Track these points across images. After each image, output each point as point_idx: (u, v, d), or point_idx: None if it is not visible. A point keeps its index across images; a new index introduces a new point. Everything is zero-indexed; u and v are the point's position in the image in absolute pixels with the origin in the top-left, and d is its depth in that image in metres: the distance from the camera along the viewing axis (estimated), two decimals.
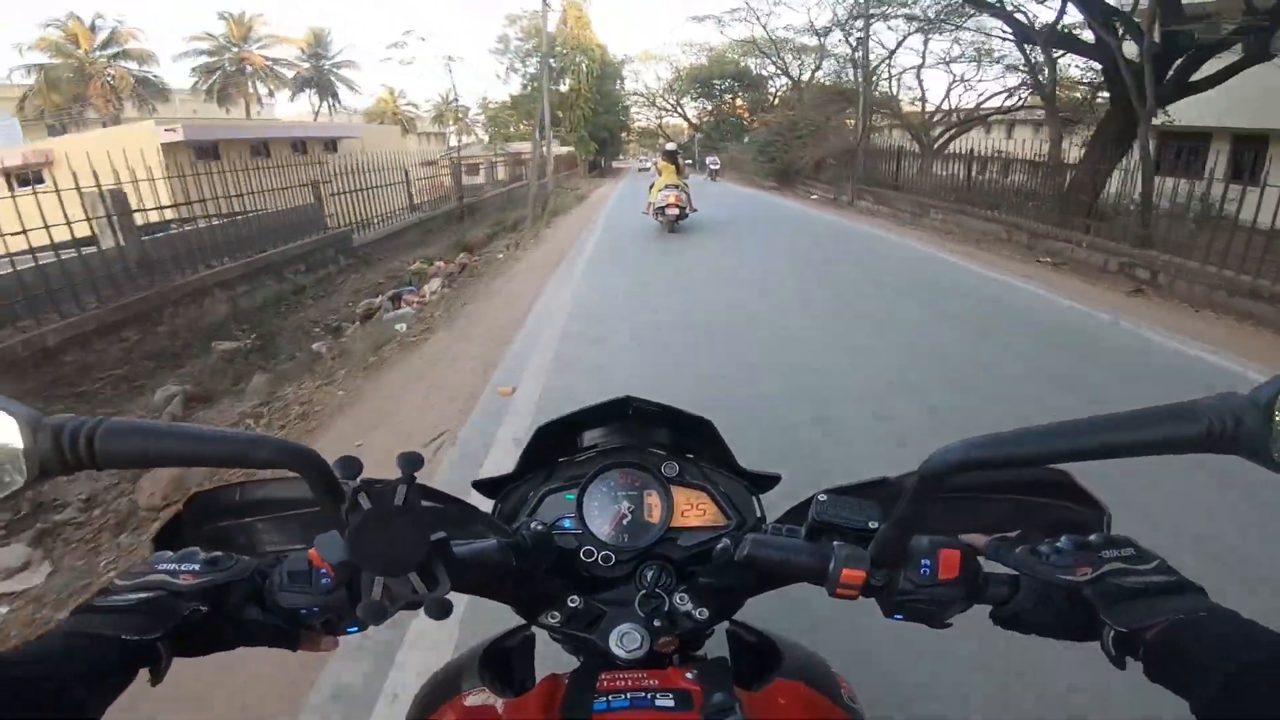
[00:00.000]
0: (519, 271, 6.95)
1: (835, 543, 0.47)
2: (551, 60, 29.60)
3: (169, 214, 6.21)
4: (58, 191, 4.90)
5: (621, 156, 45.81)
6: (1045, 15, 9.93)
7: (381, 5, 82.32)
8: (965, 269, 6.92)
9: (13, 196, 4.51)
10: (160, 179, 5.95)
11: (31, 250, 4.57)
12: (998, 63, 15.69)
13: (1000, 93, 16.22)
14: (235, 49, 33.15)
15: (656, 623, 0.57)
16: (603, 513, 0.66)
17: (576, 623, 0.58)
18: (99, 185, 5.33)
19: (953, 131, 16.14)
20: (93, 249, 5.25)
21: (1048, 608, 0.45)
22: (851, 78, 18.62)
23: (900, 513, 0.43)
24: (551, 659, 0.67)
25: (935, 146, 15.19)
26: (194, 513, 0.58)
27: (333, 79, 38.40)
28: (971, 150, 10.69)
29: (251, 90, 34.41)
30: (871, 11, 13.73)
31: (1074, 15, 9.68)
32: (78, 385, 4.44)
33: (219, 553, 0.47)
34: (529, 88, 29.48)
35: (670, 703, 0.48)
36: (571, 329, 4.62)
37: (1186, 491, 2.32)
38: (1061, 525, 0.53)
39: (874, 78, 16.11)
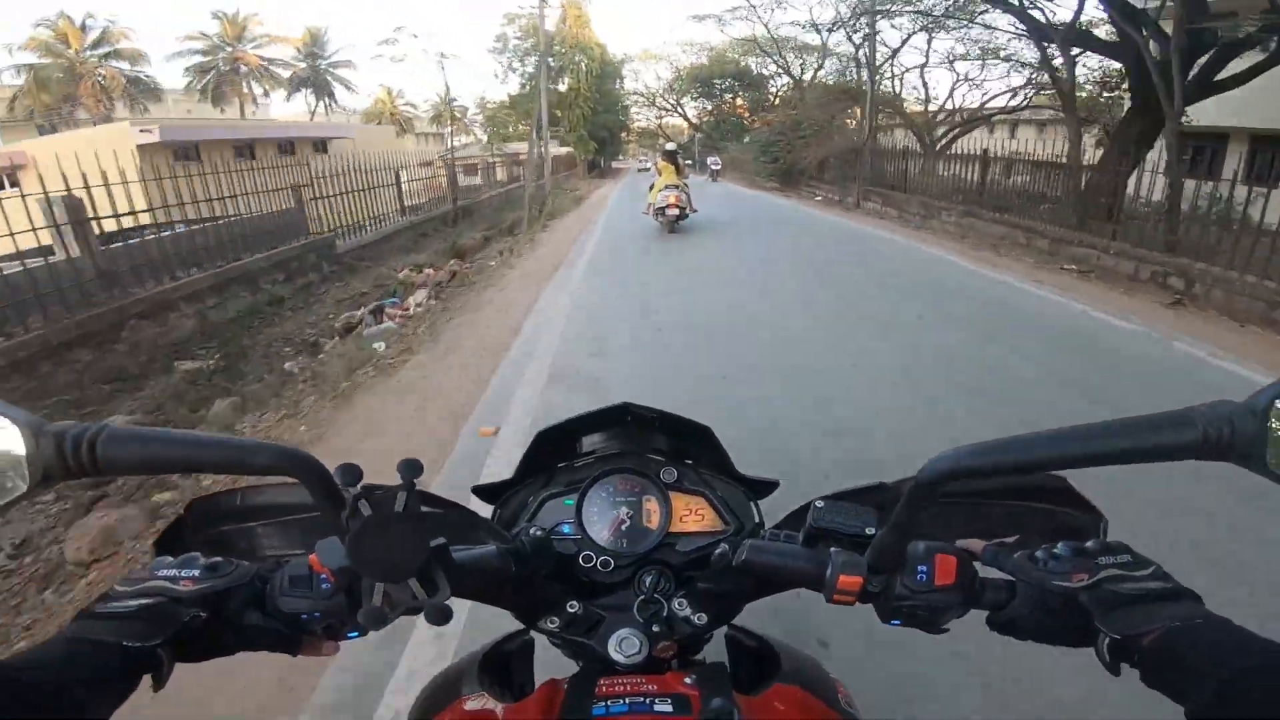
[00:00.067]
0: (511, 281, 6.51)
1: (832, 549, 0.47)
2: (550, 59, 29.22)
3: (140, 220, 5.77)
4: (23, 197, 4.49)
5: (621, 157, 45.46)
6: (1058, 13, 9.60)
7: (381, 4, 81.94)
8: (989, 278, 6.48)
9: None
10: (133, 183, 5.52)
11: None
12: (1005, 61, 15.32)
13: (1004, 92, 15.90)
14: (229, 49, 32.71)
15: (655, 628, 0.57)
16: (602, 518, 0.66)
17: (576, 628, 0.58)
18: (68, 189, 4.92)
19: (956, 131, 15.75)
20: (49, 259, 4.83)
21: (1044, 613, 0.44)
22: (855, 76, 18.26)
23: (897, 519, 0.43)
24: (551, 663, 0.67)
25: (939, 147, 14.79)
26: (195, 517, 0.59)
27: (329, 79, 37.97)
28: (985, 150, 10.25)
29: (246, 90, 33.98)
30: (879, 7, 13.29)
31: (1088, 13, 9.38)
32: None
33: (219, 558, 0.47)
34: (527, 87, 29.07)
35: (669, 708, 0.48)
36: (566, 350, 4.19)
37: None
38: (1058, 531, 0.56)
39: (878, 77, 15.70)
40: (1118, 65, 13.30)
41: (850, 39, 17.16)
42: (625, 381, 3.64)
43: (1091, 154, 10.03)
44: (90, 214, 5.06)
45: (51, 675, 0.36)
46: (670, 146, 10.81)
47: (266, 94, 36.72)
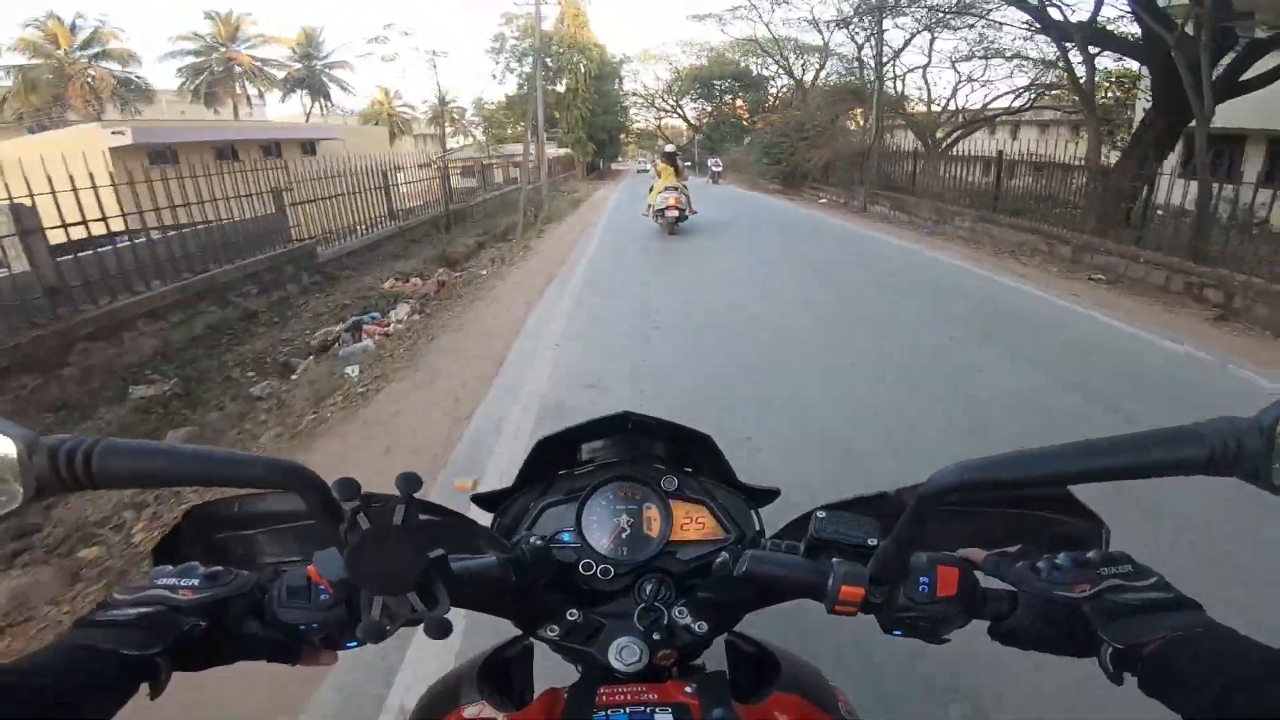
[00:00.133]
0: (501, 294, 6.06)
1: (834, 559, 0.47)
2: (548, 60, 28.84)
3: (110, 227, 5.30)
4: None
5: (620, 158, 45.10)
6: (1074, 13, 9.22)
7: (382, 4, 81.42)
8: (1017, 290, 6.03)
9: None
10: (87, 189, 5.08)
11: None
12: (1010, 61, 14.93)
13: (1008, 93, 15.52)
14: (222, 49, 32.25)
15: (655, 636, 0.56)
16: (602, 526, 0.66)
17: (576, 636, 0.58)
18: (31, 196, 4.49)
19: (958, 133, 15.37)
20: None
21: (1046, 624, 0.44)
22: (858, 77, 17.89)
23: (900, 531, 0.43)
24: (551, 669, 0.67)
25: (942, 148, 14.39)
26: (192, 525, 0.59)
27: (325, 80, 37.52)
28: (1000, 153, 9.84)
29: (240, 91, 33.52)
30: (887, 2, 12.87)
31: (1105, 11, 9.03)
32: None
33: (219, 567, 0.47)
34: (524, 88, 28.67)
35: (669, 717, 0.47)
36: (558, 382, 3.74)
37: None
38: (1059, 540, 0.54)
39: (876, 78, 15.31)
40: (1131, 65, 13.06)
41: (853, 39, 16.85)
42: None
43: (1098, 155, 9.70)
44: (50, 223, 4.63)
45: (49, 681, 0.36)
46: (669, 148, 11.44)
47: (261, 95, 36.26)
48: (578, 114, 30.34)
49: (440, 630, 0.41)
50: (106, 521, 2.89)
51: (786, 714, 0.53)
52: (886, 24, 14.07)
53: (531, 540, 0.58)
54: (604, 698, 0.50)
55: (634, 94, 37.66)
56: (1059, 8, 9.08)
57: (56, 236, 4.79)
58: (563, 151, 30.76)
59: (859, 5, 14.64)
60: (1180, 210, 7.21)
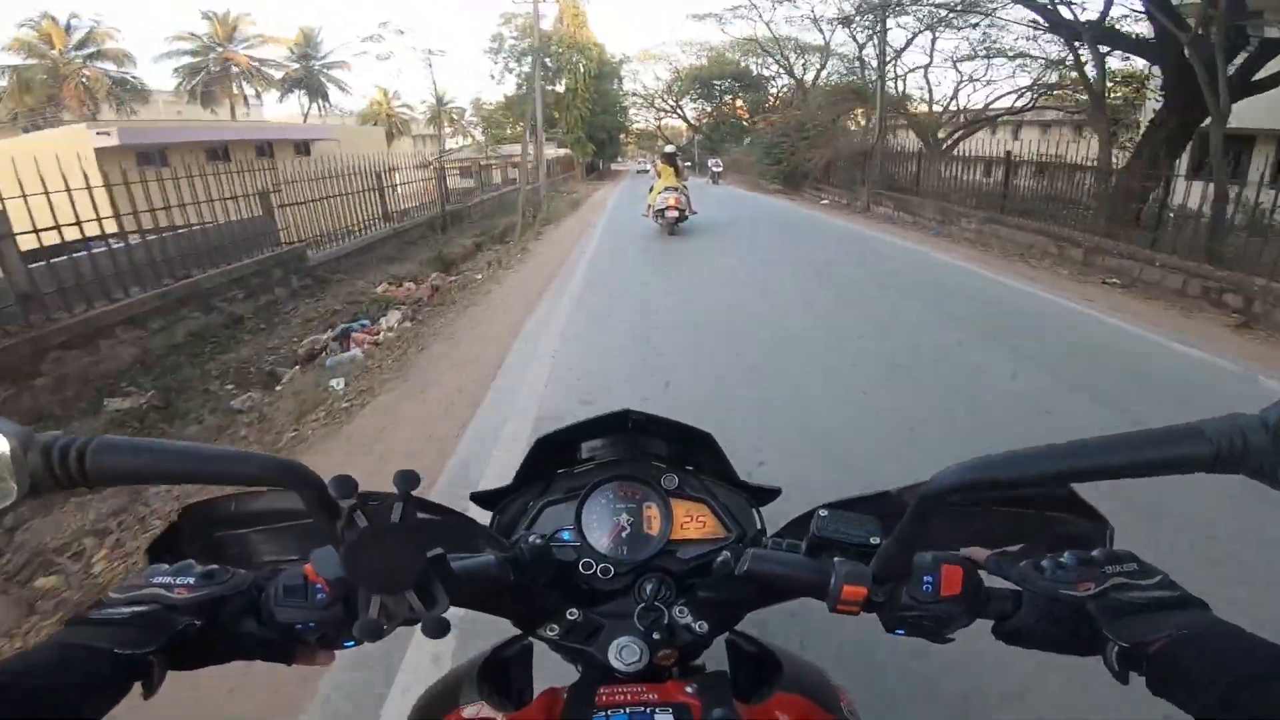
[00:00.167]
0: (497, 300, 5.86)
1: (836, 558, 0.46)
2: (547, 59, 28.65)
3: (89, 231, 5.10)
4: None
5: (620, 159, 44.91)
6: (1083, 12, 9.04)
7: (381, 4, 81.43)
8: (1033, 295, 5.80)
9: None
10: (75, 190, 4.89)
11: None
12: (1012, 60, 14.73)
13: (1010, 93, 15.32)
14: (219, 49, 32.04)
15: (656, 635, 0.56)
16: (601, 525, 0.65)
17: (575, 635, 0.57)
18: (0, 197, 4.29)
19: (960, 133, 15.18)
20: None
21: (1050, 623, 0.44)
22: (859, 76, 17.71)
23: (902, 530, 0.43)
24: (550, 668, 0.66)
25: (943, 148, 14.19)
26: (188, 523, 0.58)
27: (323, 80, 37.31)
28: (1009, 153, 9.65)
29: (237, 91, 33.31)
30: (890, 1, 12.68)
31: (1112, 10, 8.84)
32: None
33: (215, 566, 0.46)
34: (523, 88, 28.47)
35: (669, 717, 0.47)
36: (553, 399, 3.54)
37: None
38: (1063, 539, 0.54)
39: (879, 77, 15.12)
40: (1136, 65, 12.89)
41: (854, 38, 16.66)
42: None
43: (1109, 155, 9.54)
44: (25, 227, 4.43)
45: (42, 680, 0.35)
46: (669, 149, 10.90)
47: (259, 96, 36.07)
48: (577, 114, 30.17)
49: (438, 629, 0.41)
50: (66, 549, 2.71)
51: (789, 714, 0.53)
52: (889, 23, 13.91)
53: (531, 539, 0.57)
54: (604, 698, 0.49)
55: (633, 94, 37.60)
56: (1068, 6, 8.90)
57: (32, 241, 4.60)
58: (562, 152, 30.58)
59: (861, 4, 14.46)
60: (1191, 212, 7.05)
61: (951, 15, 12.67)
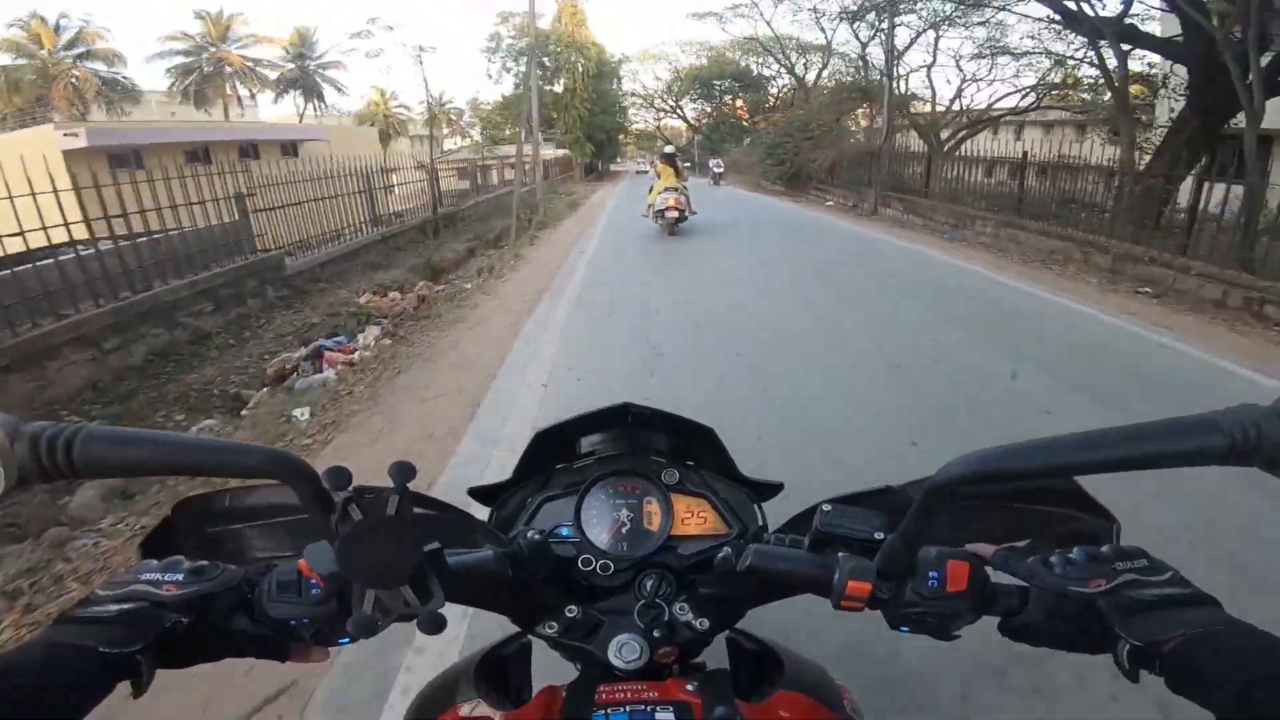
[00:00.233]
0: (485, 314, 5.42)
1: (840, 554, 0.46)
2: (545, 59, 28.25)
3: (24, 244, 4.67)
4: None
5: (619, 159, 44.51)
6: (1101, 10, 8.65)
7: (380, 4, 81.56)
8: (1071, 309, 5.33)
9: None
10: (17, 198, 4.45)
11: None
12: (1021, 57, 14.34)
13: (1013, 92, 14.91)
14: (212, 49, 31.61)
15: (656, 633, 0.55)
16: (601, 521, 0.64)
17: (574, 633, 0.57)
18: None
19: (963, 133, 14.79)
20: None
21: (1058, 620, 0.43)
22: (862, 75, 17.32)
23: (908, 524, 0.42)
24: (549, 666, 0.66)
25: (946, 149, 13.81)
26: (182, 519, 0.58)
27: (319, 80, 36.88)
28: (1025, 154, 9.25)
29: (230, 92, 32.88)
30: None
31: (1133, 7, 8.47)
32: None
33: (205, 562, 0.45)
34: (520, 88, 28.04)
35: (670, 715, 0.46)
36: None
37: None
38: (1069, 535, 0.54)
39: (887, 76, 14.73)
40: (1148, 64, 12.51)
41: (857, 36, 16.24)
42: None
43: (1112, 156, 9.19)
44: None
45: (29, 680, 0.35)
46: (669, 149, 10.90)
47: (253, 96, 35.64)
48: (575, 114, 29.78)
49: (434, 625, 0.40)
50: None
51: (791, 712, 0.53)
52: (896, 20, 13.50)
53: (530, 535, 0.57)
54: (603, 696, 0.49)
55: (633, 94, 37.31)
56: (1089, 3, 8.50)
57: None
58: (560, 152, 30.17)
59: (863, 2, 14.07)
60: (1210, 215, 6.66)
61: (965, 9, 12.25)
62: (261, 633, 0.44)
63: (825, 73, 22.81)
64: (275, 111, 38.15)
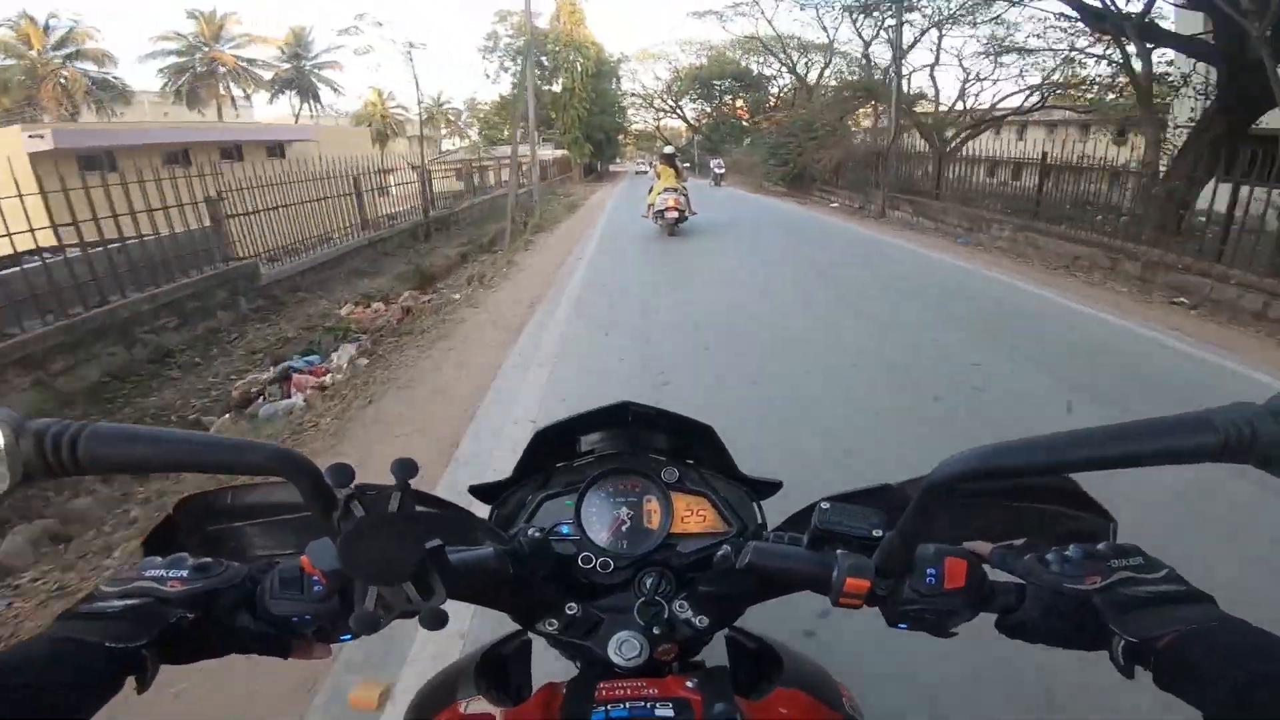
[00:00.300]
0: (471, 331, 5.00)
1: (839, 551, 0.46)
2: (544, 58, 27.87)
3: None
4: None
5: (618, 160, 44.13)
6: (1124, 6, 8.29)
7: (381, 5, 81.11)
8: (1108, 323, 4.89)
9: None
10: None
11: None
12: (1025, 56, 13.96)
13: (1016, 92, 14.54)
14: (206, 49, 31.18)
15: (655, 630, 0.55)
16: (601, 519, 0.64)
17: (574, 630, 0.57)
18: None
19: (967, 133, 14.42)
20: None
21: (1055, 617, 0.43)
22: (865, 74, 16.93)
23: (905, 521, 0.42)
24: (549, 664, 0.66)
25: (949, 149, 13.44)
26: (184, 516, 0.58)
27: (314, 80, 36.45)
28: (1044, 154, 8.85)
29: (224, 92, 32.46)
30: None
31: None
32: None
33: (208, 559, 0.46)
34: (518, 88, 27.65)
35: (670, 712, 0.47)
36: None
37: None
38: (1066, 533, 0.54)
39: (889, 76, 14.35)
40: (1171, 60, 12.13)
41: (859, 34, 15.86)
42: None
43: (1114, 155, 8.82)
44: None
45: (34, 676, 0.35)
46: (668, 150, 10.85)
47: (248, 96, 35.21)
48: (574, 114, 29.40)
49: (436, 621, 0.40)
50: None
51: (790, 709, 0.53)
52: (894, 22, 13.12)
53: (530, 532, 0.57)
54: (603, 693, 0.49)
55: (632, 94, 37.01)
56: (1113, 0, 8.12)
57: None
58: (559, 153, 29.78)
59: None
60: (1221, 218, 6.29)
61: (979, 5, 11.86)
62: (264, 629, 0.44)
63: (827, 72, 22.48)
64: (270, 112, 37.74)
